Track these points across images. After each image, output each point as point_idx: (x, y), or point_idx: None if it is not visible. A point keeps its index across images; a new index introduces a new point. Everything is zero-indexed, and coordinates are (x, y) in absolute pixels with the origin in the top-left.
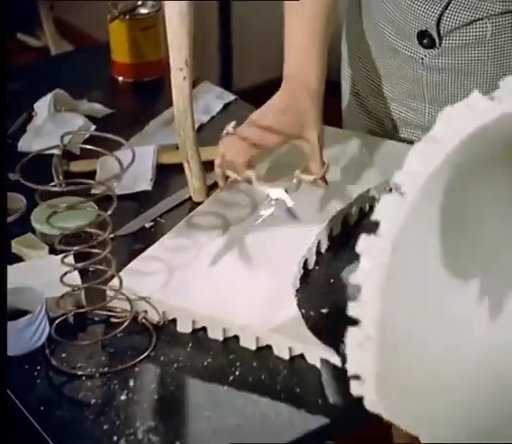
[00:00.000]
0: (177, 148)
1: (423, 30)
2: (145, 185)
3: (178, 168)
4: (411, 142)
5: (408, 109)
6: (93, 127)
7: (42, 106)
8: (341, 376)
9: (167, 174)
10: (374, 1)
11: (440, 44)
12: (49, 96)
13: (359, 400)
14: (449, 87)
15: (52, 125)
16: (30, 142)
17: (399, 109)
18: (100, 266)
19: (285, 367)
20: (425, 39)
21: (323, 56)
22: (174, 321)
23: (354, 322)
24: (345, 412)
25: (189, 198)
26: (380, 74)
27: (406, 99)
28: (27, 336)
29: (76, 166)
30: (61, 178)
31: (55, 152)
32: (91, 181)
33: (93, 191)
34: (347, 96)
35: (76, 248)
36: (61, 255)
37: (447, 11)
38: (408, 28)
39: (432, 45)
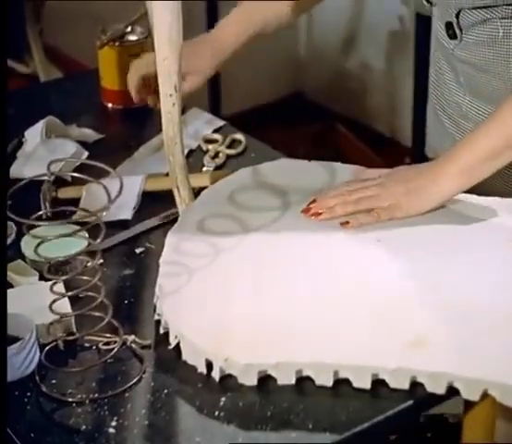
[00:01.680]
0: (166, 175)
1: (449, 21)
2: (126, 214)
3: (163, 195)
4: None
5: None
6: (86, 153)
7: (34, 133)
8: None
9: (155, 200)
10: None
11: (462, 38)
12: (41, 123)
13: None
14: (478, 80)
15: (44, 151)
16: (22, 169)
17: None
18: (90, 293)
19: (274, 392)
20: (450, 30)
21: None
22: (163, 346)
23: None
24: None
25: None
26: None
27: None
28: (17, 362)
29: (64, 193)
30: (48, 205)
31: (47, 178)
32: (78, 210)
33: (82, 220)
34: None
35: (65, 277)
36: (51, 282)
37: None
38: (441, 18)
39: (455, 37)
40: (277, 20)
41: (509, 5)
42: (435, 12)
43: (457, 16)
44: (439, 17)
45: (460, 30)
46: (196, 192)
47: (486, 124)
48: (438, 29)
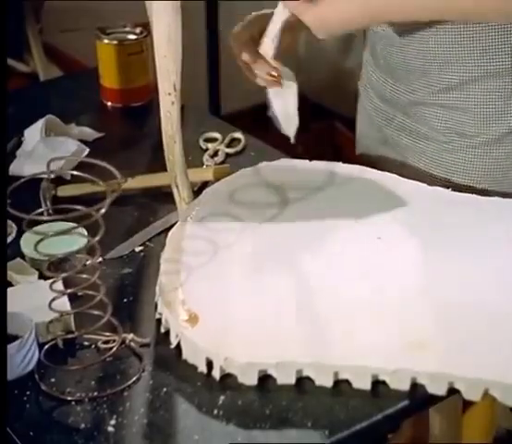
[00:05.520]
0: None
1: None
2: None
3: (164, 193)
4: None
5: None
6: (87, 150)
7: (33, 132)
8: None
9: (155, 197)
10: None
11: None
12: (40, 122)
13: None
14: (397, 58)
15: (44, 149)
16: (22, 167)
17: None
18: (89, 291)
19: (273, 391)
20: None
21: None
22: (162, 345)
23: None
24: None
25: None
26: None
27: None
28: (16, 361)
29: (63, 191)
30: (48, 203)
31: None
32: (79, 207)
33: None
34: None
35: (64, 274)
36: (50, 281)
37: None
38: None
39: None
40: None
41: None
42: None
43: None
44: None
45: None
46: (199, 187)
47: None
48: None
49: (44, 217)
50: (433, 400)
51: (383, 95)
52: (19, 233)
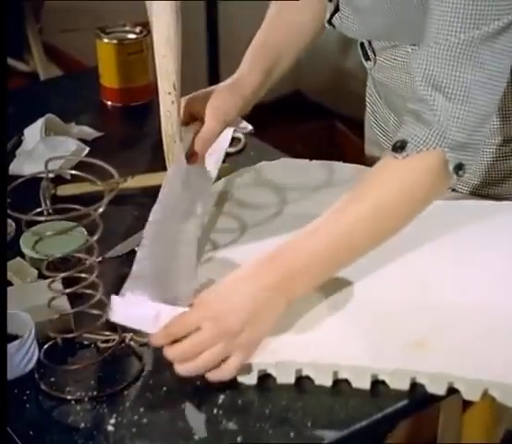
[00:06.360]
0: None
1: (362, 42)
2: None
3: None
4: None
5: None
6: (87, 149)
7: (33, 131)
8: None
9: (155, 197)
10: None
11: (375, 60)
12: (40, 121)
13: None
14: (396, 102)
15: (44, 148)
16: (22, 166)
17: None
18: (88, 291)
19: (273, 390)
20: (364, 51)
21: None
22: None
23: None
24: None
25: None
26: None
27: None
28: (16, 360)
29: (62, 191)
30: (48, 203)
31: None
32: (77, 206)
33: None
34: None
35: (63, 274)
36: (49, 280)
37: None
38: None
39: (369, 59)
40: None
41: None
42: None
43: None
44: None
45: (373, 52)
46: None
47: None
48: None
49: (43, 217)
50: (433, 399)
51: (386, 123)
52: (18, 232)
